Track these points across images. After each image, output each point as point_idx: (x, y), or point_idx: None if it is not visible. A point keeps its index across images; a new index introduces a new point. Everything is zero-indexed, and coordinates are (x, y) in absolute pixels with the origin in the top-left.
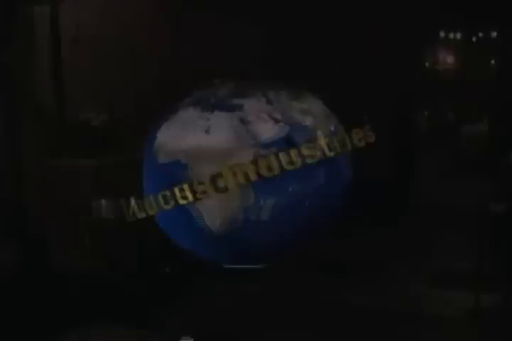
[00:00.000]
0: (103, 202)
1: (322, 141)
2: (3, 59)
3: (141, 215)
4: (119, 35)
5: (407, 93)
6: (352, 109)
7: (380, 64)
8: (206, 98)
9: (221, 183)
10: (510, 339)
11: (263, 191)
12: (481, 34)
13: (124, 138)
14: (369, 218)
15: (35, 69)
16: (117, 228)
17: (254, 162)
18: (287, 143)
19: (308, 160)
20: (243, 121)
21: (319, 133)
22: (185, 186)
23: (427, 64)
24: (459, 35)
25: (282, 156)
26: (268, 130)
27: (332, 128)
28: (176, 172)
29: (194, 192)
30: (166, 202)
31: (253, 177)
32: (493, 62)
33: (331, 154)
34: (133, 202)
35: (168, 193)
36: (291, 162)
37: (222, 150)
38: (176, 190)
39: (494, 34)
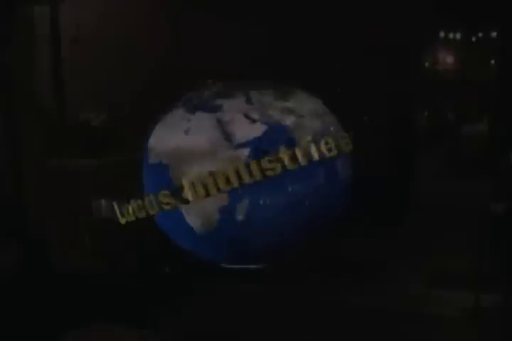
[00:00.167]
0: (103, 202)
1: (283, 153)
2: (3, 59)
3: (141, 215)
4: (118, 35)
5: (407, 93)
6: (352, 109)
7: (380, 64)
8: (191, 99)
9: (200, 190)
10: (510, 339)
11: (248, 191)
12: (481, 34)
13: (124, 138)
14: (369, 218)
15: (35, 69)
16: (117, 228)
17: (235, 168)
18: (262, 144)
19: (269, 173)
20: (220, 122)
21: (301, 133)
22: (166, 193)
23: (426, 64)
24: (458, 35)
25: (254, 165)
26: (243, 130)
27: (318, 127)
28: (161, 173)
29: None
30: (152, 207)
31: (229, 185)
32: (493, 62)
33: (292, 167)
34: (132, 202)
35: (152, 198)
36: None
37: (199, 151)
38: (161, 196)
39: (494, 34)
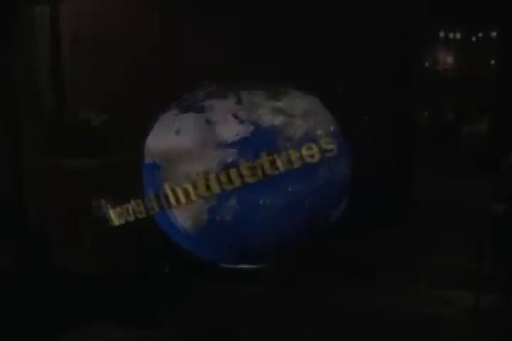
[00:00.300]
0: (103, 202)
1: (264, 159)
2: (3, 59)
3: (139, 216)
4: (118, 35)
5: (407, 93)
6: (352, 109)
7: (380, 64)
8: (186, 99)
9: (181, 197)
10: (510, 340)
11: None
12: (481, 34)
13: (124, 138)
14: (369, 218)
15: (35, 69)
16: (117, 228)
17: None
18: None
19: (249, 179)
20: (209, 122)
21: (289, 132)
22: (154, 197)
23: (426, 64)
24: (458, 35)
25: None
26: (231, 130)
27: (308, 127)
28: (154, 173)
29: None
30: (139, 211)
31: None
32: (493, 62)
33: (272, 173)
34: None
35: (140, 202)
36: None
37: (187, 150)
38: (147, 200)
39: (494, 34)
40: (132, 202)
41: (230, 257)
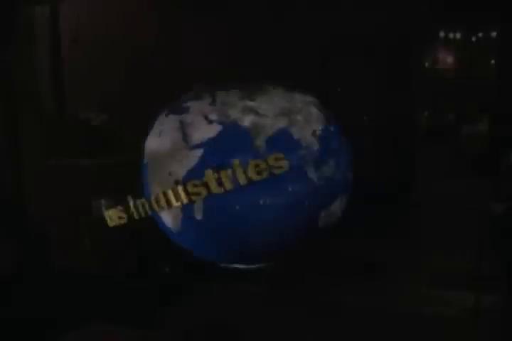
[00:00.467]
0: (103, 202)
1: (209, 177)
2: (3, 59)
3: (140, 216)
4: (119, 35)
5: (407, 93)
6: (352, 109)
7: (380, 64)
8: (174, 102)
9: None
10: (510, 340)
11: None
12: (481, 34)
13: (124, 138)
14: (369, 218)
15: (35, 69)
16: (117, 228)
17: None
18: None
19: (194, 197)
20: (183, 124)
21: (258, 132)
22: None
23: (426, 64)
24: (458, 35)
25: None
26: (200, 131)
27: (282, 127)
28: (144, 173)
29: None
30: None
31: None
32: (493, 62)
33: (218, 191)
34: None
35: (132, 204)
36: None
37: (164, 152)
38: (144, 203)
39: (494, 34)
40: (132, 202)
41: (230, 257)
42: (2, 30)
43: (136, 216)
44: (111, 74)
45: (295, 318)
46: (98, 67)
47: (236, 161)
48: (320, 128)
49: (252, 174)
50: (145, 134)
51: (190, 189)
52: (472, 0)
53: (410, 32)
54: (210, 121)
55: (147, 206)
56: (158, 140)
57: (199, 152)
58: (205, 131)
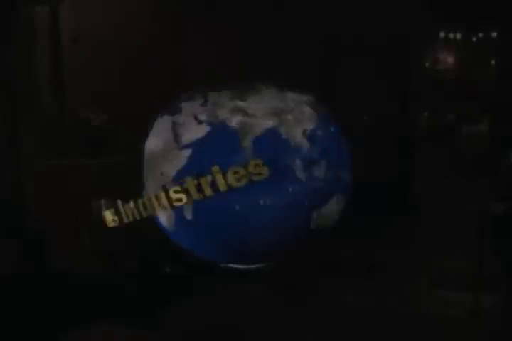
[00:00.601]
0: (103, 202)
1: (189, 184)
2: (3, 59)
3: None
4: (118, 35)
5: (407, 93)
6: (352, 109)
7: (380, 64)
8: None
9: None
10: (510, 340)
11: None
12: (481, 34)
13: (124, 138)
14: (369, 218)
15: (35, 70)
16: (117, 228)
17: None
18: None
19: (176, 203)
20: (175, 124)
21: (245, 132)
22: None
23: (427, 64)
24: (458, 35)
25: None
26: (190, 131)
27: (270, 126)
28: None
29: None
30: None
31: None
32: (493, 62)
33: (198, 197)
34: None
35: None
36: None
37: (157, 152)
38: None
39: (494, 34)
40: (132, 202)
41: (230, 257)
42: (2, 30)
43: (125, 219)
44: (111, 74)
45: (295, 318)
46: (98, 67)
47: (215, 168)
48: (311, 127)
49: (231, 181)
50: (145, 134)
51: (172, 195)
52: (472, 0)
53: (410, 32)
54: (200, 122)
55: (135, 210)
56: (154, 140)
57: (188, 152)
58: (194, 132)
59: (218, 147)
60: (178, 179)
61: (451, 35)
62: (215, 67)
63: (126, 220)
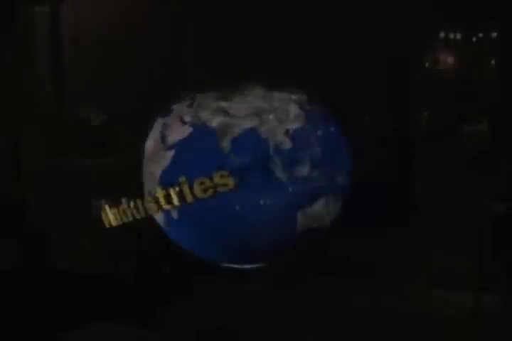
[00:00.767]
0: (103, 202)
1: (159, 193)
2: (3, 59)
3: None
4: (119, 35)
5: (407, 93)
6: (352, 110)
7: (380, 64)
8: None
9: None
10: (510, 340)
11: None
12: (481, 34)
13: (124, 138)
14: (369, 218)
15: (35, 70)
16: (117, 228)
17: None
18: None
19: (149, 212)
20: (165, 126)
21: (224, 133)
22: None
23: (427, 64)
24: (458, 35)
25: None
26: (175, 133)
27: (251, 126)
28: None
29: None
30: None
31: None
32: (493, 62)
33: (168, 207)
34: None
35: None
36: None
37: (148, 153)
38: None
39: (494, 34)
40: (131, 202)
41: (230, 257)
42: (2, 30)
43: (125, 219)
44: (111, 74)
45: (295, 318)
46: (98, 67)
47: (182, 179)
48: (295, 127)
49: (197, 192)
50: (145, 134)
51: (146, 204)
52: (472, 0)
53: (410, 32)
54: (184, 123)
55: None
56: (149, 141)
57: (171, 153)
58: (179, 133)
59: (199, 148)
60: (164, 180)
61: (451, 35)
62: (215, 67)
63: (126, 220)
